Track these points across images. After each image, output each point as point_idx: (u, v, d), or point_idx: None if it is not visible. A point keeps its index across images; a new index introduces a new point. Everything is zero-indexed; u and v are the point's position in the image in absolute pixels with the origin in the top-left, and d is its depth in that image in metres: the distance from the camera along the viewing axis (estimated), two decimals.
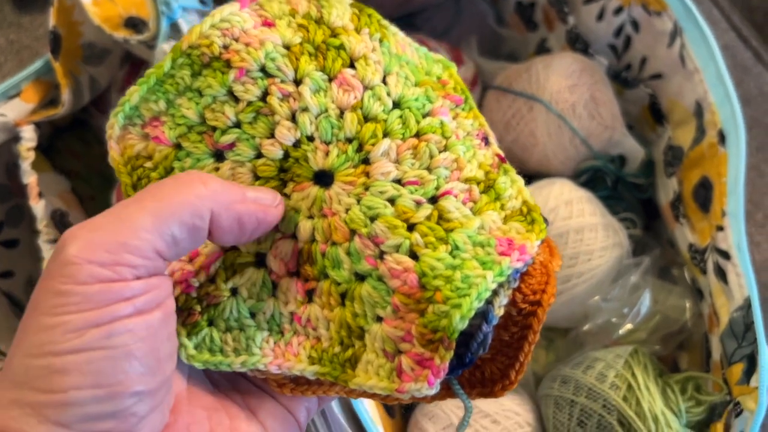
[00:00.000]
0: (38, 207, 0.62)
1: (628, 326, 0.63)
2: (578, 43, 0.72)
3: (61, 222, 0.64)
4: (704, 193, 0.62)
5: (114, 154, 0.38)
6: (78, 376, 0.29)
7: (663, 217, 0.70)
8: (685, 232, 0.65)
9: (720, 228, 0.59)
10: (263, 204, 0.35)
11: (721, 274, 0.60)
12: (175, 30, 0.59)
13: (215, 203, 0.33)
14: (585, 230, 0.62)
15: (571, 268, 0.61)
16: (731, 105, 0.60)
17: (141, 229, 0.31)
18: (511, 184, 0.39)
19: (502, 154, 0.40)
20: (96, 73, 0.67)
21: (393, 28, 0.41)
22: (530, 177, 0.69)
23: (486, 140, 0.40)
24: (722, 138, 0.60)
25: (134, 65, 0.70)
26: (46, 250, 0.62)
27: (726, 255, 0.59)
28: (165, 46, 0.58)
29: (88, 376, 0.29)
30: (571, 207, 0.62)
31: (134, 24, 0.62)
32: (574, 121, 0.66)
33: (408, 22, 0.79)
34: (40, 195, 0.64)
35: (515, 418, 0.60)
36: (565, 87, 0.66)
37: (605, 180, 0.69)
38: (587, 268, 0.61)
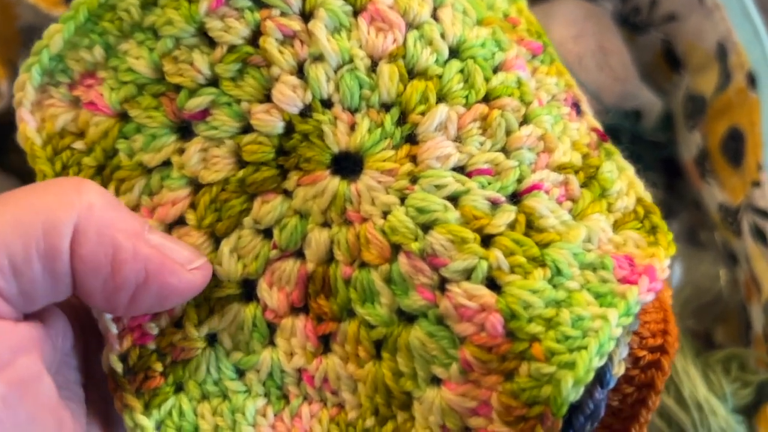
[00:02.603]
0: None
1: None
2: None
3: None
4: (734, 146, 0.57)
5: (26, 129, 0.27)
6: None
7: (687, 176, 0.65)
8: (713, 190, 0.60)
9: (756, 184, 0.54)
10: (168, 256, 0.24)
11: (761, 236, 0.54)
12: None
13: (85, 215, 0.22)
14: None
15: None
16: (761, 43, 0.55)
17: None
18: (618, 173, 0.29)
19: (601, 129, 0.30)
20: None
21: None
22: None
23: (578, 108, 0.30)
24: (752, 81, 0.54)
25: None
26: None
27: (765, 214, 0.53)
28: None
29: None
30: None
31: None
32: (582, 74, 0.60)
33: None
34: None
35: None
36: (569, 37, 0.60)
37: (620, 138, 0.63)
38: None
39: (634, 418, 0.27)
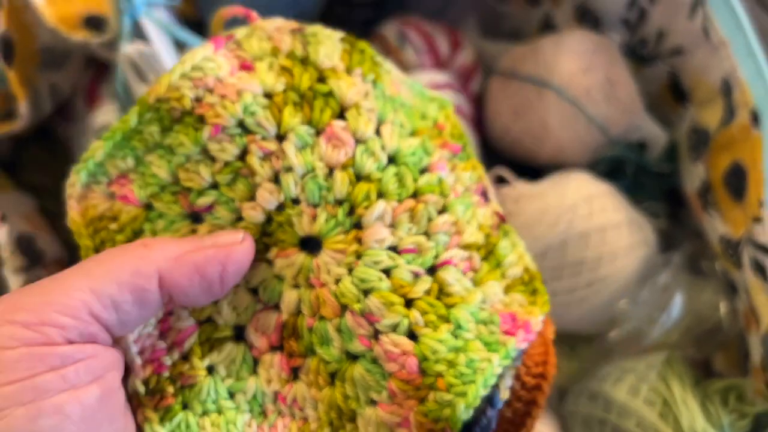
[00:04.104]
0: (1, 232, 0.57)
1: (659, 332, 0.57)
2: (587, 18, 0.66)
3: (28, 248, 0.59)
4: (736, 181, 0.57)
5: (74, 214, 0.34)
6: None
7: (689, 207, 0.64)
8: (715, 222, 0.60)
9: (758, 219, 0.54)
10: (222, 244, 0.32)
11: (761, 270, 0.54)
12: (138, 28, 0.53)
13: (161, 260, 0.30)
14: (608, 229, 0.56)
15: (593, 271, 0.56)
16: (764, 81, 0.55)
17: (72, 288, 0.28)
18: (511, 248, 0.37)
19: (502, 213, 0.38)
20: (57, 80, 0.62)
21: (387, 65, 0.37)
22: (542, 170, 0.63)
23: (485, 195, 0.37)
24: (755, 119, 0.54)
25: (100, 68, 0.64)
26: (13, 281, 0.57)
27: (766, 250, 0.53)
28: (128, 48, 0.52)
29: None
30: (592, 203, 0.56)
31: (95, 23, 0.56)
32: (590, 107, 0.60)
33: (398, 2, 0.72)
34: (3, 218, 0.58)
35: None
36: (578, 69, 0.60)
37: (625, 169, 0.63)
38: (612, 270, 0.56)
39: (523, 425, 0.34)
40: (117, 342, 0.31)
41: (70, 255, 0.61)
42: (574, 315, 0.57)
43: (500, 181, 0.59)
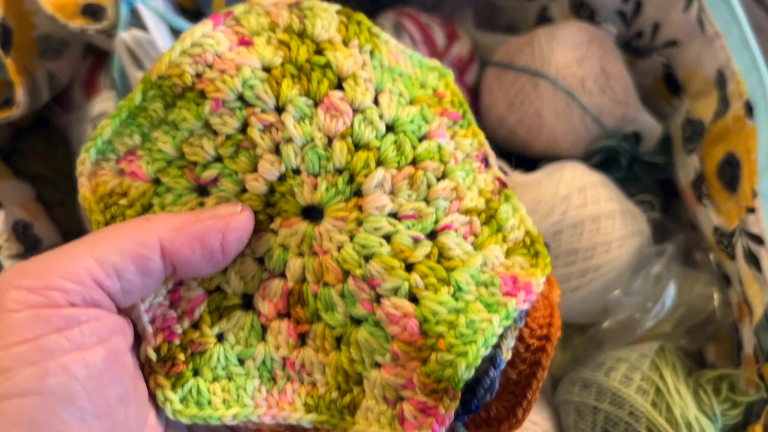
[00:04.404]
0: None
1: (652, 322, 0.57)
2: (583, 11, 0.66)
3: (24, 234, 0.59)
4: (730, 171, 0.57)
5: (85, 191, 0.35)
6: (8, 428, 0.25)
7: (683, 198, 0.65)
8: (709, 213, 0.60)
9: (751, 210, 0.54)
10: (221, 214, 0.33)
11: (754, 261, 0.54)
12: (135, 17, 0.53)
13: (163, 230, 0.31)
14: (602, 218, 0.56)
15: (587, 261, 0.56)
16: (759, 73, 0.55)
17: (76, 257, 0.29)
18: (513, 212, 0.37)
19: (503, 178, 0.38)
20: (55, 68, 0.62)
21: (385, 36, 0.38)
22: (537, 160, 0.64)
23: (486, 161, 0.38)
24: (749, 110, 0.55)
25: (98, 57, 0.64)
26: (9, 267, 0.57)
27: (759, 240, 0.53)
28: (125, 36, 0.52)
29: (19, 427, 0.25)
30: (585, 193, 0.56)
31: (93, 11, 0.56)
32: (584, 97, 0.60)
33: None
34: (0, 205, 0.58)
35: (533, 428, 0.55)
36: (573, 60, 0.60)
37: (619, 160, 0.63)
38: (605, 260, 0.56)
39: (528, 386, 0.35)
40: (125, 312, 0.32)
41: (65, 242, 0.62)
42: (568, 304, 0.57)
43: None
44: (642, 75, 0.67)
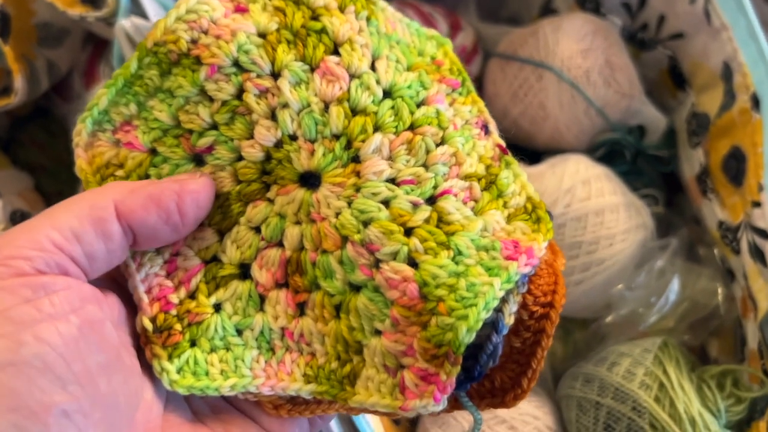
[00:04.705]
0: None
1: (655, 317, 0.57)
2: (588, 2, 0.66)
3: None
4: (736, 165, 0.56)
5: (82, 162, 0.35)
6: None
7: (687, 192, 0.64)
8: (713, 208, 0.60)
9: (756, 204, 0.54)
10: (178, 179, 0.33)
11: (759, 255, 0.54)
12: (135, 4, 0.53)
13: (117, 193, 0.31)
14: (605, 212, 0.55)
15: (591, 254, 0.55)
16: (766, 65, 0.54)
17: (35, 227, 0.29)
18: (514, 178, 0.36)
19: (504, 144, 0.37)
20: (54, 57, 0.61)
21: (381, 2, 0.37)
22: (541, 153, 0.63)
23: (486, 128, 0.37)
24: (756, 103, 0.54)
25: (98, 46, 0.63)
26: None
27: (765, 234, 0.53)
28: (125, 23, 0.52)
29: (0, 399, 0.25)
30: (589, 186, 0.56)
31: None
32: (589, 89, 0.60)
33: None
34: None
35: (534, 422, 0.54)
36: (577, 52, 0.60)
37: (623, 154, 0.63)
38: (609, 253, 0.55)
39: (533, 355, 0.34)
40: (116, 282, 0.33)
41: None
42: (571, 298, 0.57)
43: None
44: (647, 67, 0.66)
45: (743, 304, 0.58)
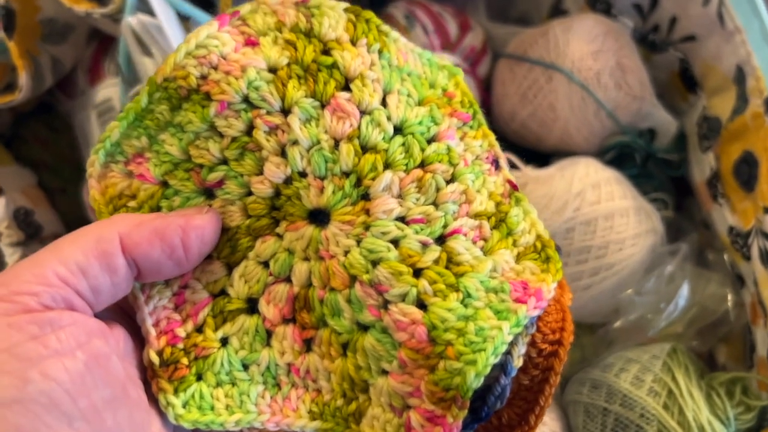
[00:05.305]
0: None
1: (664, 323, 0.56)
2: (599, 4, 0.65)
3: (25, 222, 0.58)
4: (747, 170, 0.56)
5: (95, 193, 0.35)
6: None
7: (697, 197, 0.63)
8: (723, 213, 0.59)
9: None
10: (184, 213, 0.33)
11: None
12: (142, 1, 0.52)
13: (122, 226, 0.31)
14: (615, 216, 0.55)
15: (600, 259, 0.55)
16: None
17: (41, 262, 0.29)
18: (524, 216, 0.36)
19: (514, 181, 0.37)
20: (59, 53, 0.60)
21: (394, 34, 0.37)
22: (549, 156, 0.62)
23: (496, 163, 0.37)
24: None
25: (102, 43, 0.63)
26: (9, 254, 0.56)
27: None
28: (131, 20, 0.51)
29: None
30: (599, 190, 0.55)
31: None
32: (599, 91, 0.59)
33: None
34: (1, 192, 0.58)
35: (540, 428, 0.54)
36: (588, 53, 0.59)
37: (633, 157, 0.62)
38: (618, 258, 0.55)
39: (541, 392, 0.34)
40: (126, 313, 0.33)
41: (67, 230, 0.60)
42: (579, 303, 0.56)
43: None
44: (658, 70, 0.65)
45: (753, 310, 0.57)
